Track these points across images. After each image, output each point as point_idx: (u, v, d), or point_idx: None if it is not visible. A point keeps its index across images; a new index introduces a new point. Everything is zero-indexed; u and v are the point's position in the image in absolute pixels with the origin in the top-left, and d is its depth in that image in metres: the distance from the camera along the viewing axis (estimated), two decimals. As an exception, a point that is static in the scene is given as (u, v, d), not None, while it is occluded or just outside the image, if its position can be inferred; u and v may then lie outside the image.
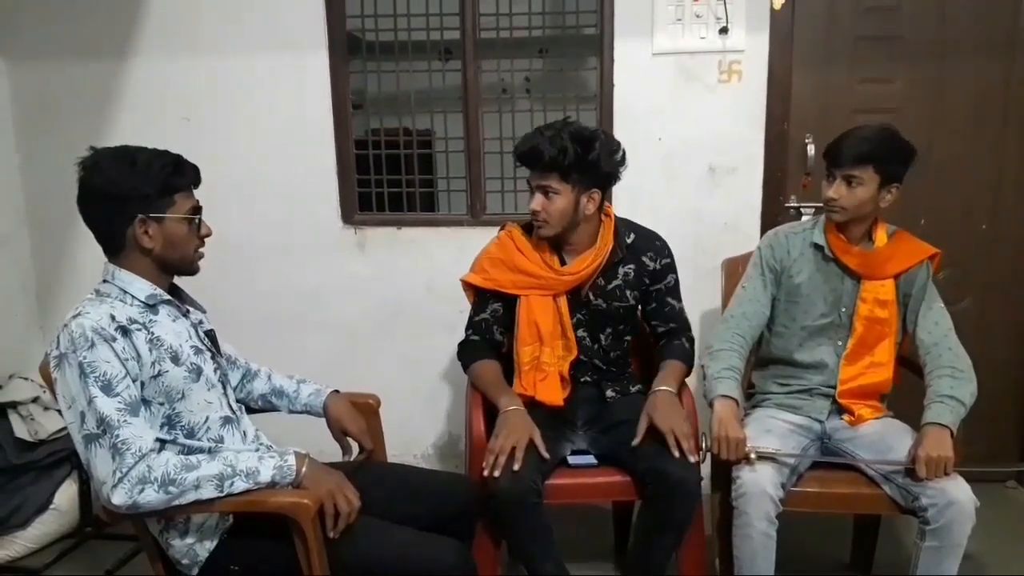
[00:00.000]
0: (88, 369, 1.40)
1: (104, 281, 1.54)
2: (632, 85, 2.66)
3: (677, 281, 2.10)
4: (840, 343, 2.04)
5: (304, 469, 1.52)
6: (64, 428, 2.52)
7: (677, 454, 1.80)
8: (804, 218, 2.10)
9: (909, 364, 2.10)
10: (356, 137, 2.89)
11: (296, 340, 2.88)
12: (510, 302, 2.05)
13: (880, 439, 1.92)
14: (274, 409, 1.87)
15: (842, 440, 1.99)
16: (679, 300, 2.11)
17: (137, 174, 1.48)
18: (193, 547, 1.55)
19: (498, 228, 2.18)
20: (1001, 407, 2.78)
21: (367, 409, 1.90)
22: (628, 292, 2.04)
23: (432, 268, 2.84)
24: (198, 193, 1.59)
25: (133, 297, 1.52)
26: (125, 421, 1.40)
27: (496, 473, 1.76)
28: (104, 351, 1.42)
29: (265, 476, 1.48)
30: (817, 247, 2.05)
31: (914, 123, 2.65)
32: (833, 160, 1.96)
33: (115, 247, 1.53)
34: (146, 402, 1.48)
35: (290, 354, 2.76)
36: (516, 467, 1.76)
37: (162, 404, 1.51)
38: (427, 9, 2.76)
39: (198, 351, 1.58)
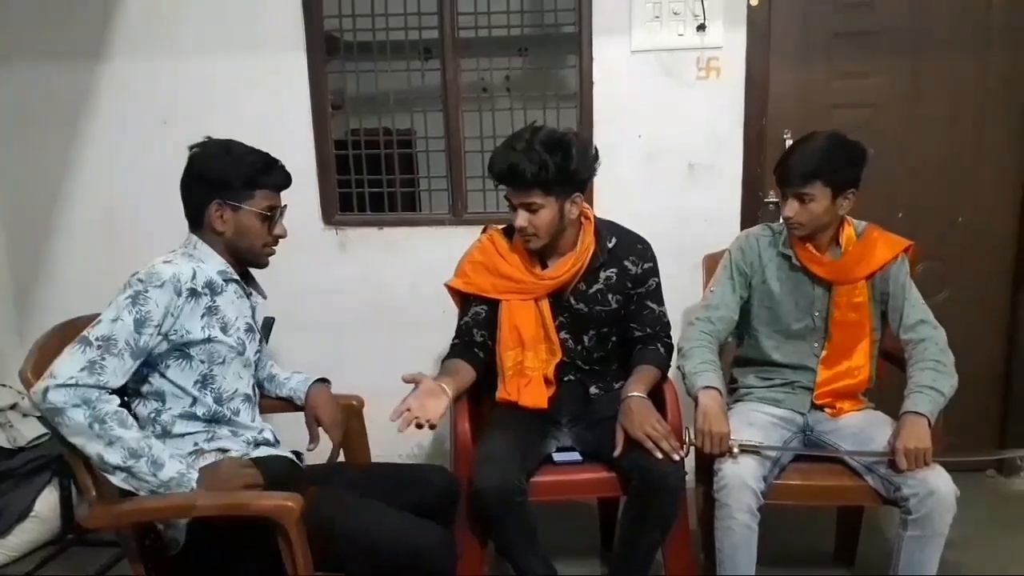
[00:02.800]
0: (140, 300, 1.52)
1: (184, 246, 1.66)
2: (611, 83, 2.67)
3: (659, 285, 2.08)
4: (816, 345, 2.05)
5: (202, 481, 1.54)
6: (44, 434, 2.51)
7: (660, 455, 1.80)
8: (776, 223, 2.10)
9: (890, 357, 2.12)
10: (336, 138, 2.88)
11: (278, 341, 2.85)
12: (494, 305, 2.05)
13: (861, 431, 1.94)
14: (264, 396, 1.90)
15: (824, 432, 2.01)
16: (660, 304, 2.09)
17: (229, 162, 1.63)
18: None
19: (480, 228, 2.18)
20: (979, 398, 2.81)
21: (350, 410, 1.91)
22: (610, 296, 2.04)
23: (414, 268, 2.83)
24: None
25: (205, 264, 1.64)
26: (119, 354, 1.49)
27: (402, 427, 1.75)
28: (163, 297, 1.53)
29: (166, 474, 1.50)
30: (785, 256, 2.05)
31: (891, 117, 2.70)
32: (782, 180, 1.95)
33: (196, 222, 1.67)
34: (188, 356, 1.60)
35: (273, 354, 2.74)
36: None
37: (203, 362, 1.62)
38: (405, 8, 2.75)
39: (250, 329, 1.72)
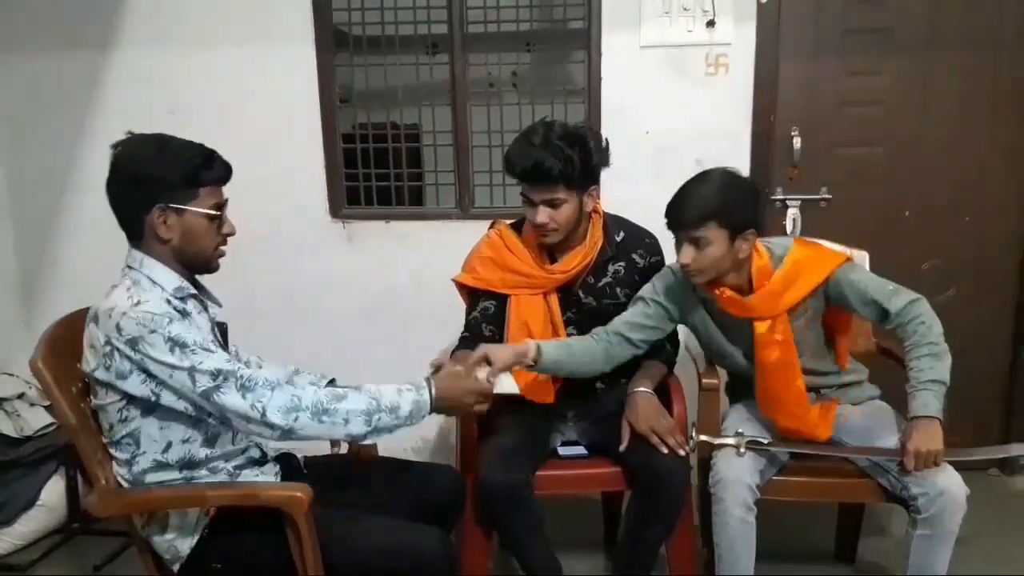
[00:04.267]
0: (179, 340, 1.40)
1: (129, 267, 1.50)
2: (620, 79, 2.67)
3: None
4: None
5: (434, 392, 1.53)
6: (50, 424, 2.53)
7: (665, 451, 1.81)
8: None
9: (885, 352, 2.12)
10: (344, 131, 2.88)
11: (285, 333, 2.87)
12: (502, 300, 2.05)
13: (866, 429, 1.92)
14: None
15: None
16: None
17: (164, 160, 1.44)
18: (174, 543, 1.54)
19: (489, 223, 2.18)
20: (985, 396, 2.82)
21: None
22: (619, 290, 2.04)
23: (421, 262, 2.84)
24: None
25: (162, 288, 1.49)
26: (238, 367, 1.43)
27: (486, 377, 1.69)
28: (184, 325, 1.44)
29: (405, 411, 1.50)
30: (702, 300, 1.95)
31: (901, 115, 2.69)
32: (674, 224, 1.81)
33: (135, 233, 1.49)
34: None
35: (280, 347, 2.71)
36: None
37: None
38: (415, 3, 2.75)
39: (217, 346, 1.56)
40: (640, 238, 2.06)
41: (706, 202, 1.77)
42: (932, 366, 1.80)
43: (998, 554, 2.33)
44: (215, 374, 1.41)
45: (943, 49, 2.63)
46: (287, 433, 1.43)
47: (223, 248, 1.56)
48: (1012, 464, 2.88)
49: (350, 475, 1.76)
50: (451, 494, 1.77)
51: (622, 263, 2.04)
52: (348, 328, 2.91)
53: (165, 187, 1.45)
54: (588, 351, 1.92)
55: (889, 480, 1.83)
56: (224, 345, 1.65)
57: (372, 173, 2.89)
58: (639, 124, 2.68)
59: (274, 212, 2.84)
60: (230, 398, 1.41)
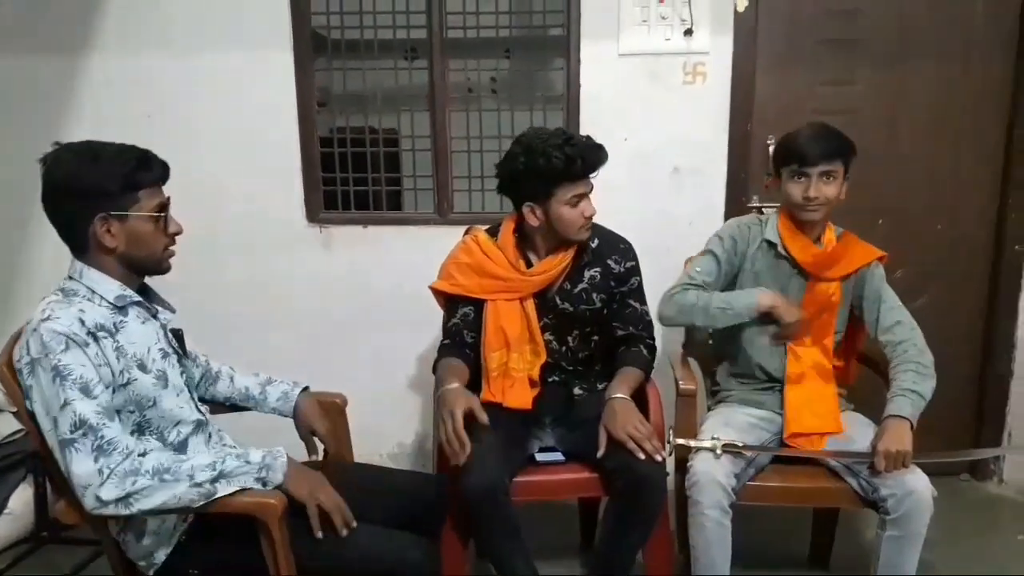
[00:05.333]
0: (64, 372, 1.36)
1: (70, 278, 1.48)
2: (598, 86, 2.69)
3: (641, 284, 2.10)
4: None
5: (288, 468, 1.49)
6: (19, 430, 2.47)
7: (643, 456, 1.81)
8: (762, 215, 2.12)
9: (868, 362, 2.15)
10: (322, 135, 2.87)
11: (262, 339, 2.85)
12: (480, 306, 2.05)
13: (842, 433, 1.95)
14: (243, 409, 1.85)
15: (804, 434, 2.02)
16: (643, 303, 2.10)
17: (99, 169, 1.42)
18: (150, 550, 1.52)
19: (465, 229, 2.18)
20: (956, 403, 2.85)
21: (333, 408, 1.89)
22: (595, 295, 2.05)
23: (399, 267, 2.82)
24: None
25: (101, 297, 1.47)
26: (105, 424, 1.37)
27: (461, 461, 1.74)
28: (78, 355, 1.38)
29: (255, 457, 1.46)
30: (770, 244, 2.07)
31: (874, 124, 2.73)
32: (804, 160, 1.95)
33: (79, 245, 1.47)
34: (116, 411, 1.44)
35: (256, 352, 2.70)
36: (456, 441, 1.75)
37: (132, 412, 1.48)
38: (394, 7, 2.74)
39: (165, 355, 1.55)
40: (615, 244, 2.08)
41: (840, 142, 1.97)
42: (915, 380, 1.90)
43: (968, 556, 2.36)
44: (77, 424, 1.35)
45: (915, 59, 2.67)
46: (121, 505, 1.36)
47: (172, 248, 1.54)
48: (982, 469, 2.93)
49: (331, 481, 1.73)
50: (431, 503, 1.76)
51: (598, 268, 2.05)
52: (325, 333, 2.89)
53: (104, 196, 1.42)
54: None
55: (860, 483, 1.86)
56: (181, 351, 1.63)
57: (350, 178, 2.88)
58: (618, 131, 2.69)
59: (251, 217, 2.83)
60: (80, 458, 1.35)
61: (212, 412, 1.75)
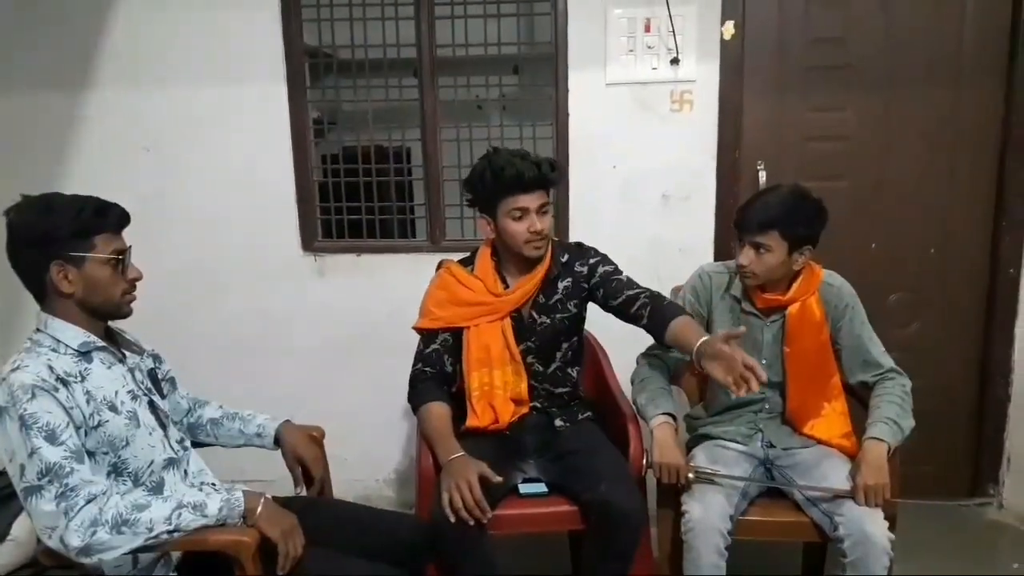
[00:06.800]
0: (30, 421, 1.40)
1: (37, 330, 1.52)
2: (587, 114, 2.71)
3: (616, 267, 2.09)
4: (766, 392, 2.02)
5: (260, 509, 1.53)
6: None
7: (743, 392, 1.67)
8: (732, 261, 2.06)
9: (852, 392, 2.13)
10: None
11: (258, 367, 2.89)
12: (458, 331, 2.08)
13: (815, 465, 1.95)
14: (223, 438, 1.87)
15: (783, 466, 2.02)
16: (624, 274, 2.08)
17: (52, 217, 1.47)
18: None
19: (454, 257, 2.21)
20: (953, 428, 2.84)
21: (313, 441, 1.92)
22: (569, 303, 2.10)
23: (393, 294, 2.83)
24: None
25: (66, 346, 1.51)
26: (72, 468, 1.40)
27: (472, 522, 1.75)
28: (46, 402, 1.42)
29: (212, 509, 1.49)
30: (735, 299, 2.05)
31: (864, 150, 2.73)
32: (740, 226, 1.95)
33: (40, 293, 1.52)
34: (90, 453, 1.47)
35: (252, 380, 2.77)
36: (477, 508, 1.76)
37: (106, 453, 1.51)
38: (384, 40, 2.78)
39: (134, 396, 1.58)
40: (575, 251, 2.13)
41: (773, 212, 1.90)
42: (896, 412, 1.91)
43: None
44: (43, 472, 1.38)
45: (904, 86, 2.67)
46: (84, 553, 1.40)
47: (132, 294, 1.57)
48: (982, 494, 2.89)
49: (316, 516, 1.74)
50: (413, 545, 1.76)
51: (569, 279, 2.10)
52: (321, 360, 2.93)
53: (57, 242, 1.46)
54: (664, 379, 2.08)
55: (820, 514, 1.86)
56: (156, 393, 1.66)
57: (344, 207, 2.92)
58: (607, 159, 2.72)
59: (247, 246, 2.87)
60: (43, 505, 1.39)
61: (195, 447, 1.78)
